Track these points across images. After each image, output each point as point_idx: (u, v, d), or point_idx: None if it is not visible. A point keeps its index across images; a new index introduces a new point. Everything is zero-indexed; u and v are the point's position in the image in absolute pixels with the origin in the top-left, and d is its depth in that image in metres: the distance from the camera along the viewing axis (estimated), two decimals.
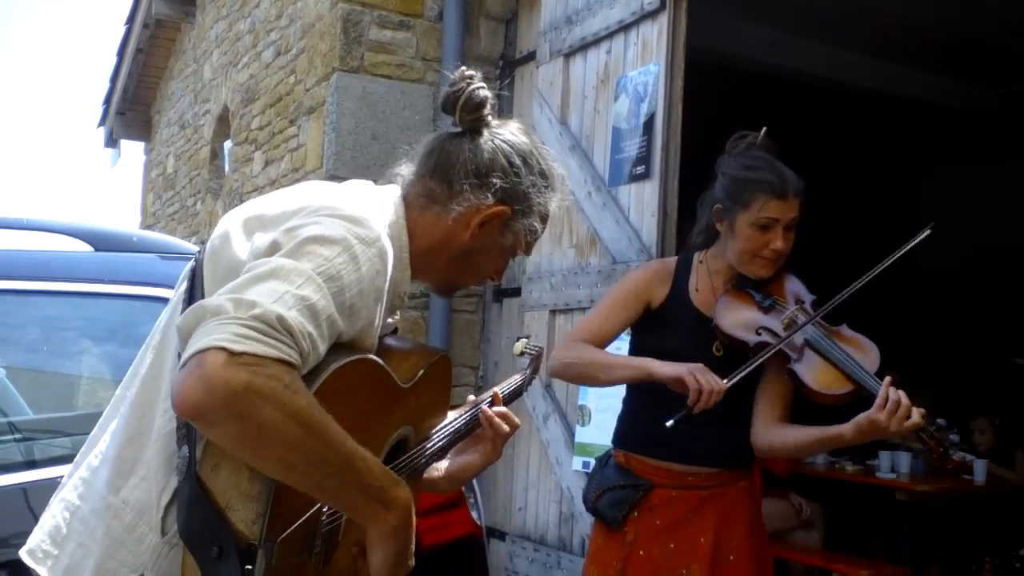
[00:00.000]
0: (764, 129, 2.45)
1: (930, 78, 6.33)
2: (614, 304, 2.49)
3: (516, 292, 4.49)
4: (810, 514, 4.50)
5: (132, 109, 9.58)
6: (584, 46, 4.06)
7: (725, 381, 2.17)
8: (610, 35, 3.90)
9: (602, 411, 3.65)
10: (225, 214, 1.52)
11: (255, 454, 1.19)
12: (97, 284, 2.52)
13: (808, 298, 2.35)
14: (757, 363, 2.23)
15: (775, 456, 2.49)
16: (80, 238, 2.62)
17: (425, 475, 1.62)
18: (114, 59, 9.16)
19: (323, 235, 1.29)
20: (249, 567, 1.21)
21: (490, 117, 1.54)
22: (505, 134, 1.54)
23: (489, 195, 1.48)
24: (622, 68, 3.83)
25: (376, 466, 1.29)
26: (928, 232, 2.24)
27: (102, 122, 9.99)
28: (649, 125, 3.62)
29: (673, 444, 2.35)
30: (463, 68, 1.55)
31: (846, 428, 2.14)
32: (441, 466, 1.67)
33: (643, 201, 3.64)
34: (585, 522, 3.70)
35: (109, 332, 2.67)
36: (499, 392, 1.72)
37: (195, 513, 1.25)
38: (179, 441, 1.32)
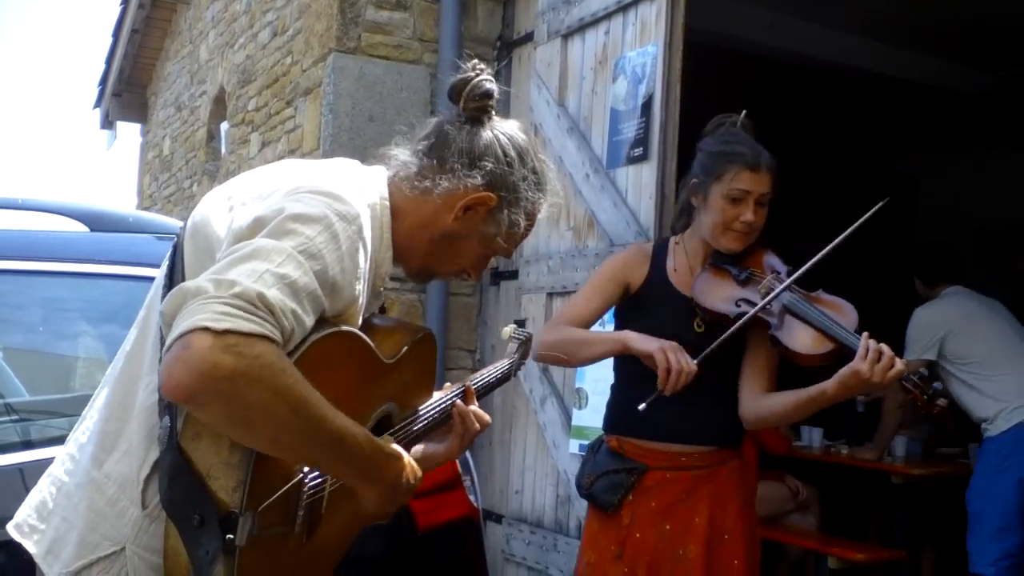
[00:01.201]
0: (744, 112, 2.50)
1: (930, 61, 6.31)
2: (593, 288, 2.55)
3: (513, 275, 4.48)
4: (806, 497, 4.51)
5: (128, 90, 9.52)
6: (582, 27, 4.04)
7: (695, 361, 2.22)
8: (608, 15, 3.88)
9: (599, 394, 3.65)
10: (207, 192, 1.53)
11: (244, 432, 1.21)
12: (93, 264, 2.52)
13: (783, 268, 2.40)
14: (734, 331, 2.28)
15: (765, 426, 2.52)
16: (76, 218, 2.62)
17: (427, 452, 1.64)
18: (109, 40, 9.11)
19: (303, 213, 1.30)
20: (230, 536, 1.22)
21: (493, 110, 1.57)
22: (505, 128, 1.57)
23: (479, 178, 1.50)
24: (620, 49, 3.81)
25: (365, 439, 1.32)
26: (885, 202, 2.34)
27: (98, 103, 9.93)
28: (647, 107, 3.60)
29: (663, 424, 2.39)
30: (475, 60, 1.58)
31: (829, 384, 2.19)
32: (416, 449, 1.68)
33: (641, 183, 3.62)
34: (582, 505, 3.69)
35: (105, 312, 2.67)
36: (472, 386, 1.72)
37: (177, 482, 1.27)
38: (160, 412, 1.34)
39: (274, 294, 1.20)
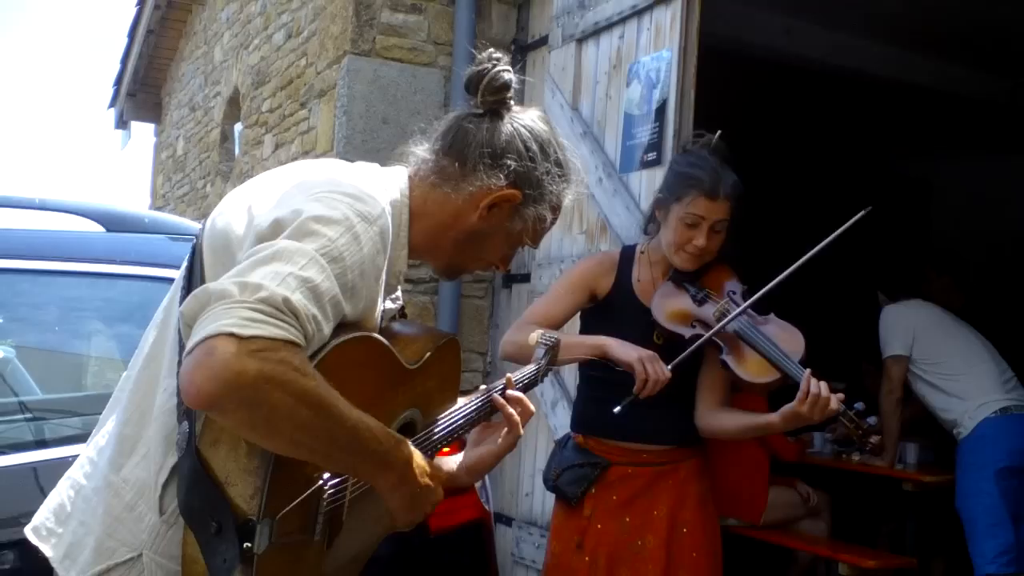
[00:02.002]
0: (719, 132, 2.58)
1: (945, 67, 6.28)
2: (561, 291, 2.65)
3: (526, 278, 4.48)
4: (817, 503, 4.49)
5: (143, 91, 9.57)
6: (597, 31, 4.04)
7: (668, 368, 2.34)
8: (623, 20, 3.88)
9: None
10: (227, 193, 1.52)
11: (265, 436, 1.19)
12: (108, 264, 2.53)
13: (739, 288, 2.51)
14: (691, 351, 2.40)
15: (716, 437, 2.63)
16: (92, 218, 2.63)
17: (445, 469, 1.61)
18: (125, 40, 9.16)
19: (325, 215, 1.28)
20: (248, 544, 1.20)
21: (512, 101, 1.52)
22: (525, 119, 1.52)
23: (502, 176, 1.47)
24: (635, 54, 3.81)
25: (379, 430, 1.30)
26: (863, 213, 2.40)
27: (112, 103, 9.98)
28: (661, 111, 3.60)
29: (626, 425, 2.49)
30: (491, 50, 1.53)
31: (774, 417, 2.34)
32: (457, 459, 1.66)
33: (654, 188, 3.60)
34: None
35: (120, 312, 2.68)
36: (511, 377, 1.70)
37: (195, 488, 1.25)
38: (179, 417, 1.32)
39: (298, 298, 1.18)
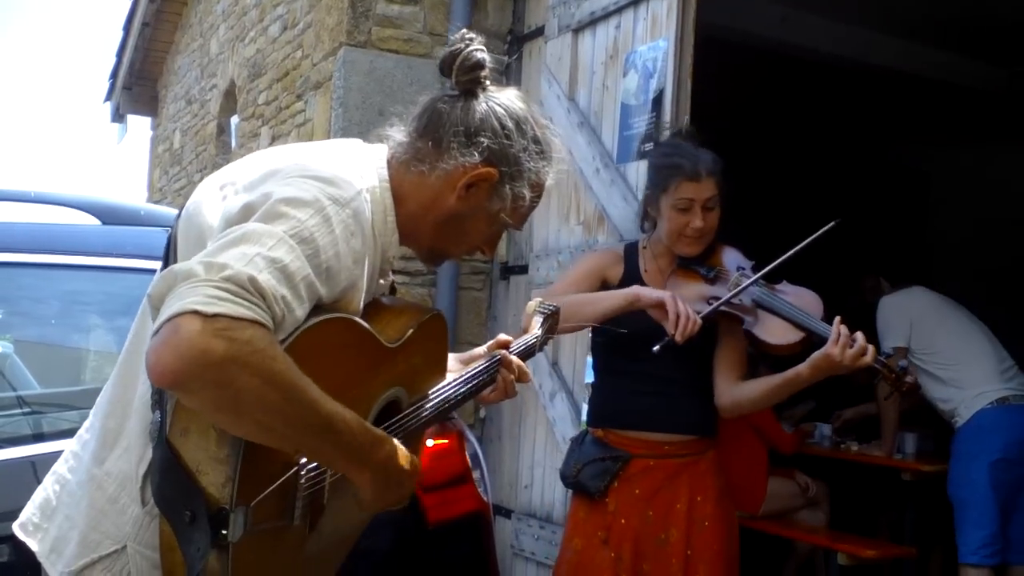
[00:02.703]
0: (686, 119, 2.69)
1: (942, 56, 6.27)
2: (577, 276, 2.67)
3: (523, 269, 4.47)
4: (816, 493, 4.50)
5: (138, 84, 9.54)
6: (593, 21, 4.02)
7: (700, 315, 2.35)
8: (619, 10, 3.86)
9: None
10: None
11: (233, 419, 1.18)
12: (105, 258, 2.52)
13: (747, 264, 2.54)
14: (724, 303, 2.42)
15: (740, 412, 2.63)
16: (87, 211, 2.62)
17: None
18: (120, 33, 9.13)
19: (294, 197, 1.27)
20: (224, 531, 1.19)
21: (487, 81, 1.51)
22: (501, 98, 1.51)
23: (476, 154, 1.45)
24: (631, 44, 3.79)
25: (356, 424, 1.28)
26: (835, 223, 2.40)
27: (108, 97, 9.96)
28: (658, 101, 3.59)
29: (645, 414, 2.52)
30: (464, 30, 1.52)
31: (803, 367, 2.31)
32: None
33: None
34: None
35: (117, 305, 2.67)
36: (505, 338, 1.74)
37: (167, 478, 1.25)
38: (152, 407, 1.31)
39: (265, 278, 1.17)
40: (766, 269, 2.45)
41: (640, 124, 3.68)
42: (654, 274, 2.60)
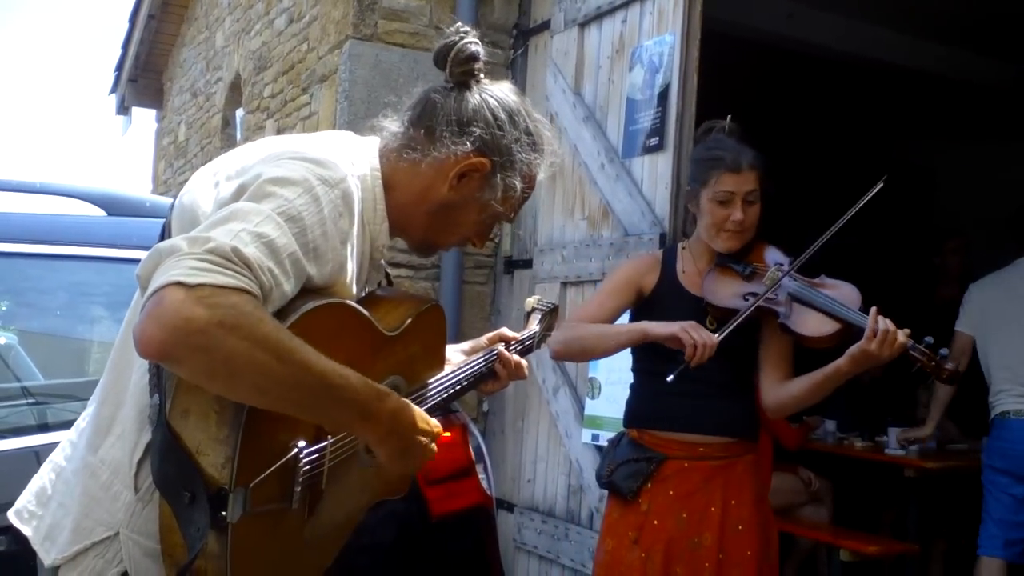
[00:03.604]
0: (729, 116, 2.61)
1: (950, 52, 6.25)
2: (607, 292, 2.64)
3: (527, 264, 4.47)
4: (819, 489, 4.50)
5: (144, 76, 9.54)
6: (599, 15, 4.02)
7: (716, 335, 2.31)
8: (625, 4, 3.85)
9: (612, 384, 3.64)
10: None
11: (227, 385, 1.18)
12: (110, 249, 2.52)
13: (785, 260, 2.51)
14: (746, 314, 2.38)
15: (785, 412, 2.60)
16: (93, 203, 2.62)
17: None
18: (126, 25, 9.13)
19: (283, 176, 1.28)
20: (223, 512, 1.21)
21: (481, 73, 1.52)
22: (494, 90, 1.52)
23: (468, 143, 1.46)
24: (637, 38, 3.79)
25: (357, 380, 1.28)
26: (881, 185, 2.38)
27: (114, 89, 9.96)
28: (664, 96, 3.58)
29: (683, 416, 2.47)
30: (459, 23, 1.54)
31: (842, 361, 2.28)
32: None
33: (656, 173, 3.61)
34: (593, 495, 3.70)
35: (122, 297, 2.67)
36: (506, 333, 1.78)
37: (167, 460, 1.26)
38: (151, 390, 1.32)
39: (251, 251, 1.18)
40: (798, 261, 2.43)
41: (646, 119, 3.68)
42: (692, 275, 2.58)
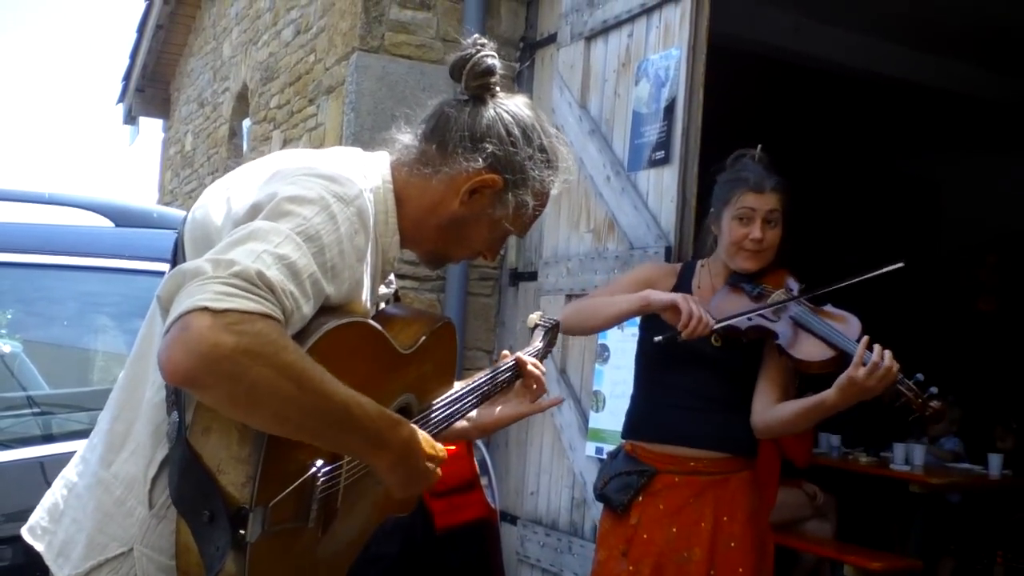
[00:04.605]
0: (760, 146, 2.63)
1: (955, 66, 6.26)
2: (623, 285, 2.65)
3: (532, 276, 4.47)
4: (823, 504, 4.49)
5: (151, 86, 9.58)
6: (606, 29, 4.03)
7: (715, 322, 2.34)
8: (632, 18, 3.87)
9: (616, 397, 3.64)
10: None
11: (249, 412, 1.18)
12: (117, 259, 2.53)
13: (796, 287, 2.52)
14: (743, 315, 2.42)
15: (772, 435, 2.60)
16: (101, 213, 2.63)
17: (457, 424, 1.63)
18: (134, 35, 9.17)
19: (299, 195, 1.28)
20: (242, 531, 1.20)
21: (497, 87, 1.51)
22: (509, 105, 1.51)
23: (480, 160, 1.45)
24: (643, 52, 3.79)
25: (373, 408, 1.29)
26: (901, 264, 2.36)
27: (121, 99, 10.00)
28: (670, 110, 3.59)
29: (676, 429, 2.50)
30: (476, 36, 1.52)
31: (829, 392, 2.27)
32: (471, 415, 1.70)
33: (662, 187, 3.61)
34: (597, 508, 3.68)
35: (128, 308, 2.68)
36: (523, 356, 1.76)
37: (187, 478, 1.25)
38: (169, 408, 1.32)
39: (274, 273, 1.18)
40: (808, 292, 2.46)
41: (652, 132, 3.68)
42: (706, 291, 2.58)
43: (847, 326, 2.39)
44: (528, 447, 4.29)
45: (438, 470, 1.44)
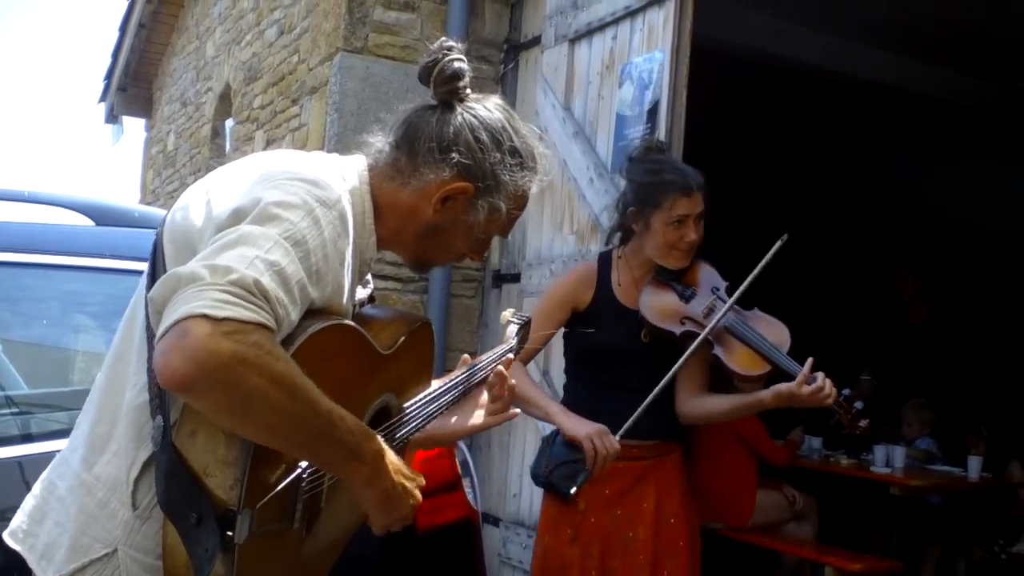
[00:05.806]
0: (659, 133, 2.75)
1: (936, 72, 6.31)
2: (548, 310, 2.72)
3: (516, 278, 4.48)
4: (803, 506, 4.50)
5: (134, 85, 9.53)
6: (590, 31, 4.04)
7: (617, 438, 2.45)
8: (616, 21, 3.88)
9: None
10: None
11: (241, 421, 1.19)
12: (98, 259, 2.51)
13: (722, 284, 2.63)
14: (691, 352, 2.50)
15: (695, 423, 2.76)
16: (81, 212, 2.61)
17: (429, 428, 1.62)
18: (116, 34, 9.12)
19: (284, 200, 1.28)
20: (230, 533, 1.20)
21: (466, 91, 1.49)
22: (478, 109, 1.49)
23: (447, 169, 1.44)
24: (627, 54, 3.81)
25: (352, 422, 1.29)
26: (786, 237, 2.47)
27: (103, 98, 9.94)
28: (653, 112, 3.60)
29: (616, 422, 2.55)
30: (443, 39, 1.51)
31: (766, 396, 2.46)
32: (445, 423, 1.70)
33: None
34: None
35: (109, 307, 2.66)
36: (511, 356, 1.76)
37: (173, 481, 1.25)
38: (153, 412, 1.32)
39: (267, 281, 1.18)
40: (736, 294, 2.52)
41: (635, 135, 3.69)
42: (628, 287, 2.67)
43: (777, 335, 2.52)
44: (511, 448, 4.29)
45: (417, 492, 1.42)
